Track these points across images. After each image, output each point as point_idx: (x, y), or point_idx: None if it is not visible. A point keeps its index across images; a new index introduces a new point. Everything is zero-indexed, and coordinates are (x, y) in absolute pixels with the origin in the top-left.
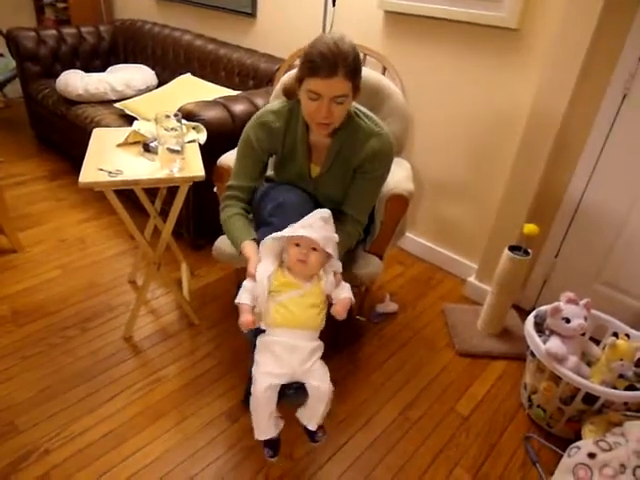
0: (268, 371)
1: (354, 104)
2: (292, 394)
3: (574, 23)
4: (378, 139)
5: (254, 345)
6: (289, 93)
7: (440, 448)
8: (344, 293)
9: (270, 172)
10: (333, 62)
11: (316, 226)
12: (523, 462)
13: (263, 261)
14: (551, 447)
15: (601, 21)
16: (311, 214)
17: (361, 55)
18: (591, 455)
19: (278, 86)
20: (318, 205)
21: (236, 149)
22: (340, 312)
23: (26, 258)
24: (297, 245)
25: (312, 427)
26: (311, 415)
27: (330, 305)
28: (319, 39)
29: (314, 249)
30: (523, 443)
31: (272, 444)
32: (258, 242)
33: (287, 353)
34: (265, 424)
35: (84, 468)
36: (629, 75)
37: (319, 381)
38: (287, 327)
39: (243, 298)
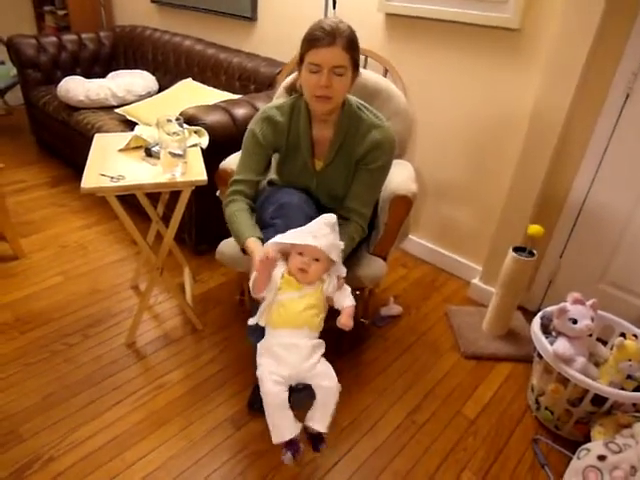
0: (272, 372)
1: (357, 99)
2: (299, 396)
3: (576, 22)
4: (379, 131)
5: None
6: (291, 87)
7: (447, 452)
8: (347, 301)
9: (272, 176)
10: (332, 33)
11: (321, 234)
12: (531, 465)
13: None
14: (560, 449)
15: (603, 20)
16: (316, 220)
17: (362, 58)
18: (601, 457)
19: (280, 89)
20: (319, 206)
21: (240, 150)
22: (346, 323)
23: (28, 265)
24: (300, 254)
25: (323, 429)
26: (321, 415)
27: (330, 308)
28: (319, 20)
29: (317, 259)
30: (531, 445)
31: (293, 445)
32: (262, 241)
33: (287, 353)
34: (283, 422)
35: (88, 475)
36: (632, 74)
37: (325, 379)
38: (285, 327)
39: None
